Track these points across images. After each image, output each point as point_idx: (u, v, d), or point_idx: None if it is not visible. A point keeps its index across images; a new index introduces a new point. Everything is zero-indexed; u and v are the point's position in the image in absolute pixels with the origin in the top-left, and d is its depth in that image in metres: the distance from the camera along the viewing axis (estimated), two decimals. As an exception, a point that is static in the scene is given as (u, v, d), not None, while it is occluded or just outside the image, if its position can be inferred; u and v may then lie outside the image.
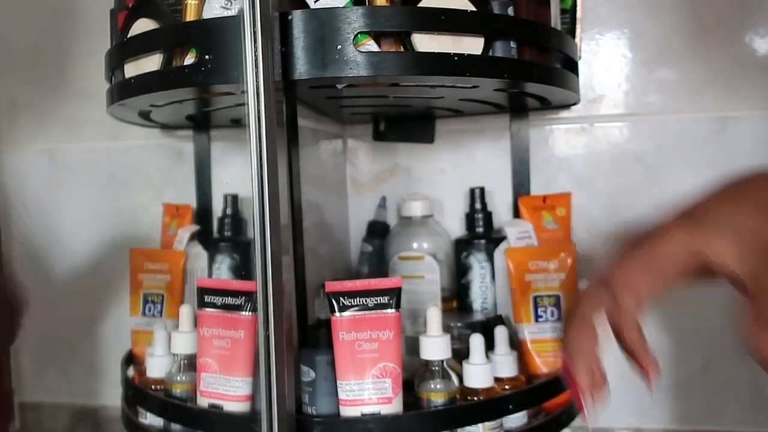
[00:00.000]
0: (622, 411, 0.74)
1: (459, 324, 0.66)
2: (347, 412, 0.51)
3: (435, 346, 0.53)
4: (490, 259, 0.70)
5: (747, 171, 0.41)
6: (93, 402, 0.87)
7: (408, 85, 0.54)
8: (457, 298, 0.73)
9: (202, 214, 0.80)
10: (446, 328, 0.55)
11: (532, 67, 0.55)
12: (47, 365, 0.89)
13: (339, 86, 0.51)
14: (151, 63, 0.52)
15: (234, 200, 0.76)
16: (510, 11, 0.53)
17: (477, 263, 0.71)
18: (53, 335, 0.89)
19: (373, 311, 0.52)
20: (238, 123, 0.71)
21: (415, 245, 0.71)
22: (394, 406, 0.51)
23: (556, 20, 0.60)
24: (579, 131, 0.75)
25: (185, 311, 0.60)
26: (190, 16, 0.51)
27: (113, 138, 0.85)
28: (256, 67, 0.45)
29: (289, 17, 0.47)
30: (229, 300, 0.55)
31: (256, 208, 0.46)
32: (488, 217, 0.73)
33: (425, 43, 0.48)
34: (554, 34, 0.58)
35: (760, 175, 0.41)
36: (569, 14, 0.71)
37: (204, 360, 0.56)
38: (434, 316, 0.54)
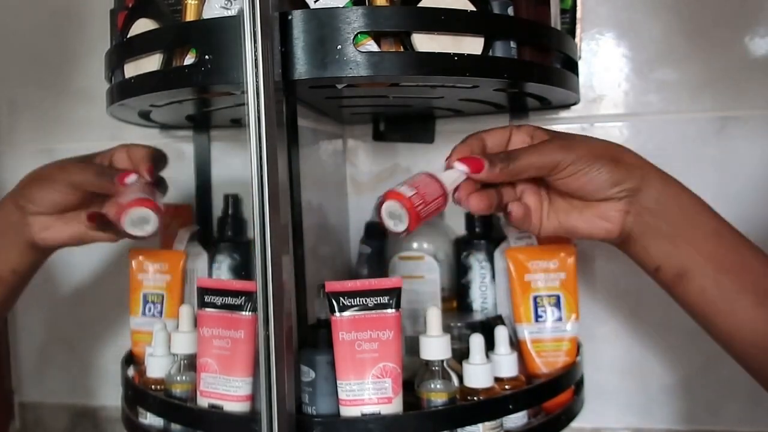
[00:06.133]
0: (622, 411, 0.74)
1: (459, 324, 0.66)
2: (347, 412, 0.51)
3: (435, 346, 0.53)
4: (490, 259, 0.70)
5: None
6: (93, 402, 0.87)
7: (408, 85, 0.54)
8: (457, 298, 0.73)
9: (202, 214, 0.80)
10: (446, 328, 0.55)
11: (532, 67, 0.55)
12: (47, 365, 0.89)
13: (339, 86, 0.51)
14: (151, 63, 0.52)
15: (234, 200, 0.76)
16: (510, 11, 0.53)
17: (477, 263, 0.71)
18: (53, 335, 0.89)
19: (373, 311, 0.52)
20: (238, 123, 0.71)
21: (415, 245, 0.71)
22: (394, 406, 0.51)
23: (556, 20, 0.60)
24: (579, 131, 0.74)
25: (185, 311, 0.60)
26: (190, 16, 0.51)
27: (113, 138, 0.85)
28: (256, 67, 0.45)
29: (289, 17, 0.47)
30: (229, 300, 0.55)
31: (256, 208, 0.46)
32: (488, 217, 0.73)
33: (425, 43, 0.48)
34: (554, 34, 0.58)
35: None
36: (569, 14, 0.71)
37: (204, 360, 0.56)
38: (434, 316, 0.54)
